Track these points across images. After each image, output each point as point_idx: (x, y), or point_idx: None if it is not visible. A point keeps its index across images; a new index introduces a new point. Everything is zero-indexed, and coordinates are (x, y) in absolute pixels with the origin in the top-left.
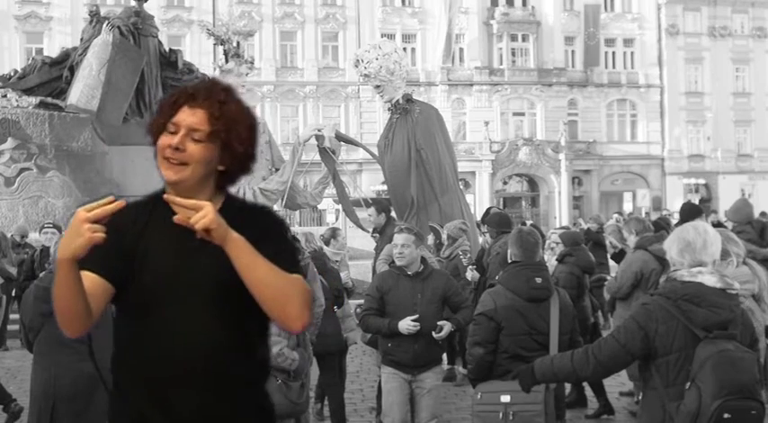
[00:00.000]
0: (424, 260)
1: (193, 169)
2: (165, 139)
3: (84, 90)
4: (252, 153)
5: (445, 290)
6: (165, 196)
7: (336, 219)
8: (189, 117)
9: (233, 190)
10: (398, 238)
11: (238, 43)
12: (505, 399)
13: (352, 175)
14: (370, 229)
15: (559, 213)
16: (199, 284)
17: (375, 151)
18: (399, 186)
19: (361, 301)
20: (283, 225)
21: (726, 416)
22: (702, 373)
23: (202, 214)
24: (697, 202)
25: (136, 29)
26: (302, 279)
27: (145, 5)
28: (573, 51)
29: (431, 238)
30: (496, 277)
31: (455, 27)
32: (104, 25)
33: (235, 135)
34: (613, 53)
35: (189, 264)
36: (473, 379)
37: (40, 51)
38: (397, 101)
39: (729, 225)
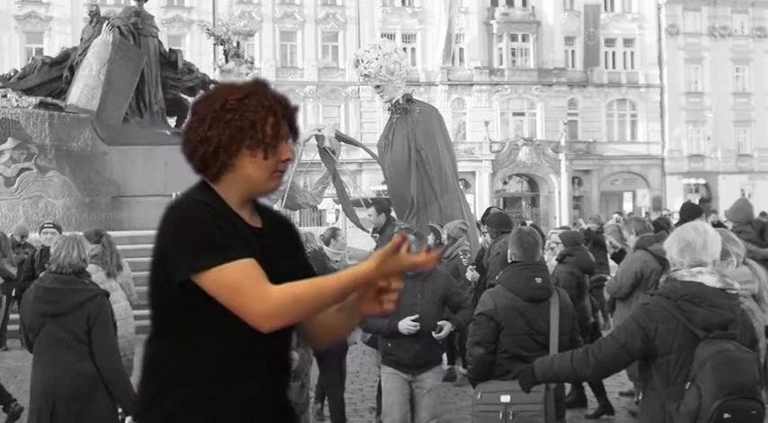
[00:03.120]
0: None
1: None
2: (287, 151)
3: (84, 90)
4: None
5: (445, 290)
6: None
7: (336, 219)
8: (285, 127)
9: None
10: None
11: (238, 43)
12: (505, 399)
13: (352, 175)
14: (370, 229)
15: (559, 213)
16: None
17: (375, 151)
18: (399, 186)
19: None
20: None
21: (726, 416)
22: (702, 373)
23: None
24: (697, 202)
25: (136, 29)
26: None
27: (145, 5)
28: (573, 51)
29: (431, 238)
30: (496, 277)
31: (455, 27)
32: (104, 25)
33: None
34: (613, 53)
35: (276, 271)
36: (473, 379)
37: (40, 51)
38: (397, 101)
39: (729, 225)
